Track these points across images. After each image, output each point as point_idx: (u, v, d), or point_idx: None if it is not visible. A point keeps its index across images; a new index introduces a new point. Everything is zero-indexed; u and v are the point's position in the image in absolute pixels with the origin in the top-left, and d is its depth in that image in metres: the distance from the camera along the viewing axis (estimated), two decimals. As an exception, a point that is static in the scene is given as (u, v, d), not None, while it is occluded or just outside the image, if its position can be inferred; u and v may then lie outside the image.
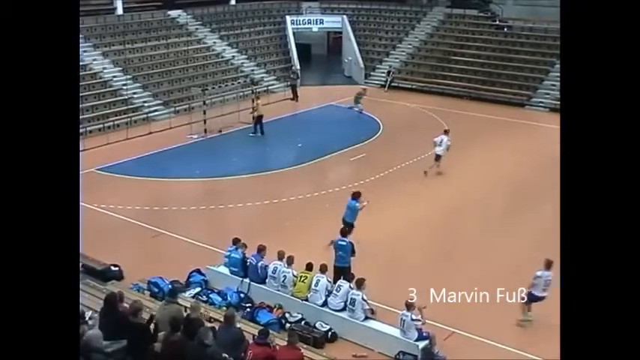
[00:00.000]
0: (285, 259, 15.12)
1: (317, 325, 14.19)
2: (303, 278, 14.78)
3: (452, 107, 33.31)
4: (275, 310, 14.80)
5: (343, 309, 14.16)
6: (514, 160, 26.13)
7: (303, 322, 14.36)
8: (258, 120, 29.09)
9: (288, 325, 14.32)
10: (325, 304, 14.43)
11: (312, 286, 14.55)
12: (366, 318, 13.99)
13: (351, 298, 13.97)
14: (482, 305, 15.37)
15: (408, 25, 42.76)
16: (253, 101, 30.28)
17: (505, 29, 39.65)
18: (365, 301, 13.92)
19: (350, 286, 14.15)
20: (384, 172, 24.39)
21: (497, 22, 40.23)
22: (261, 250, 15.48)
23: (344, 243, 15.70)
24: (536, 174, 24.40)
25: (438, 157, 23.95)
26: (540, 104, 34.58)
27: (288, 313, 14.65)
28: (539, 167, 25.16)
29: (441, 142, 24.04)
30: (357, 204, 17.92)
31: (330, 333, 14.03)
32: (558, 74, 35.42)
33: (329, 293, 14.45)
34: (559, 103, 32.88)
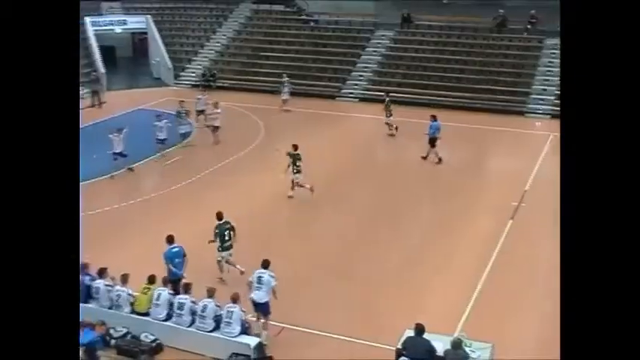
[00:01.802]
0: (118, 278, 14.35)
1: (142, 337, 13.57)
2: (145, 290, 14.08)
3: (265, 103, 33.31)
4: (97, 326, 13.90)
5: (216, 328, 13.36)
6: (331, 151, 26.62)
7: (129, 336, 13.71)
8: None
9: (113, 341, 13.59)
10: (169, 318, 13.74)
11: (154, 300, 13.84)
12: (242, 332, 13.31)
13: (228, 311, 13.19)
14: (309, 298, 15.53)
15: (214, 23, 42.39)
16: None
17: (312, 23, 40.37)
18: (243, 311, 13.38)
19: (216, 304, 13.39)
20: (201, 174, 23.89)
21: (304, 17, 40.86)
22: (85, 267, 14.56)
23: (177, 249, 15.13)
24: (352, 162, 25.12)
25: None
26: (350, 95, 35.56)
27: (112, 328, 13.86)
28: (352, 156, 25.97)
29: None
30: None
31: (155, 343, 13.46)
32: (366, 65, 36.69)
33: (171, 307, 13.75)
34: (371, 93, 34.02)
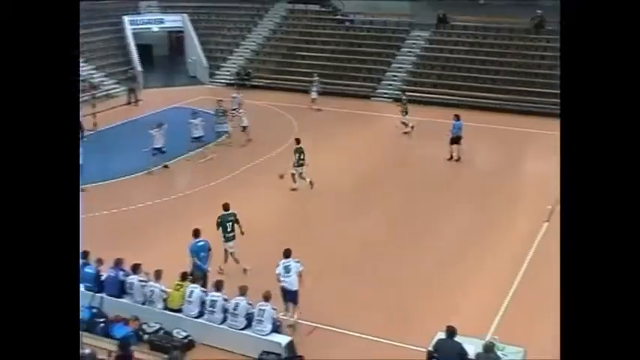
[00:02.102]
0: (152, 274, 14.49)
1: (174, 332, 13.69)
2: (178, 287, 14.18)
3: (299, 102, 33.33)
4: (131, 322, 14.09)
5: (247, 326, 13.40)
6: (360, 151, 26.65)
7: (162, 332, 13.82)
8: None
9: (146, 336, 13.74)
10: (201, 315, 13.81)
11: (186, 297, 13.93)
12: (274, 331, 13.34)
13: (260, 310, 13.23)
14: (341, 298, 15.52)
15: (250, 22, 42.53)
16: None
17: (347, 23, 40.30)
18: (275, 310, 13.39)
19: (248, 302, 13.46)
20: (234, 173, 24.04)
21: (339, 17, 40.83)
22: (119, 262, 14.81)
23: (202, 242, 15.28)
24: (381, 164, 25.17)
25: None
26: (385, 95, 35.45)
27: (146, 323, 14.00)
28: (384, 158, 25.96)
29: None
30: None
31: (187, 339, 13.54)
32: (400, 66, 36.55)
33: (203, 304, 13.81)
34: (398, 93, 33.91)
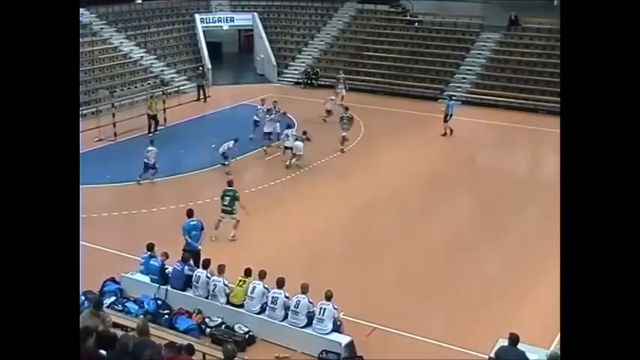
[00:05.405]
0: (214, 269, 14.66)
1: (235, 327, 13.81)
2: (241, 282, 14.32)
3: (366, 102, 33.25)
4: (194, 315, 14.31)
5: (308, 324, 13.49)
6: (427, 152, 26.44)
7: (223, 326, 13.97)
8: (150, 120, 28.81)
9: (208, 330, 13.93)
10: (262, 311, 13.92)
11: (248, 293, 14.05)
12: (334, 330, 13.37)
13: (321, 308, 13.30)
14: (402, 300, 15.46)
15: (319, 22, 42.66)
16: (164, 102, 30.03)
17: (416, 24, 40.01)
18: (336, 309, 13.41)
19: (309, 300, 13.51)
20: (300, 170, 24.09)
21: (408, 17, 40.58)
22: (186, 258, 15.13)
23: (195, 222, 15.98)
24: (449, 166, 24.83)
25: None
26: (452, 97, 34.95)
27: (208, 317, 14.20)
28: (452, 159, 25.63)
29: None
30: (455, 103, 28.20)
31: (247, 335, 13.64)
32: (469, 68, 36.10)
33: (267, 301, 13.87)
34: (474, 96, 33.52)
